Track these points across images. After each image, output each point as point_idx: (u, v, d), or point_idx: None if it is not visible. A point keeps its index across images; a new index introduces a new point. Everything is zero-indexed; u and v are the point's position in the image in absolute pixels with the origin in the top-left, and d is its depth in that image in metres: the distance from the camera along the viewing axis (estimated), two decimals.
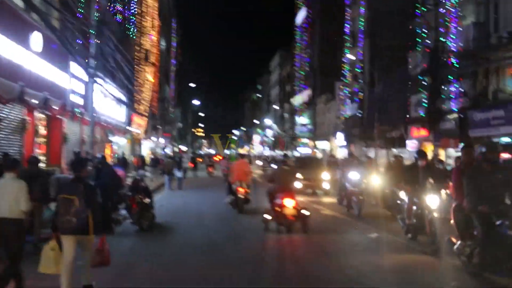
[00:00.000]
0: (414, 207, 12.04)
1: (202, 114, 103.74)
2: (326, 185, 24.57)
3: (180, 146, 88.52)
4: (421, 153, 12.51)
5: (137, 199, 13.87)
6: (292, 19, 76.25)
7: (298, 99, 69.16)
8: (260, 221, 13.87)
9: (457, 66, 25.00)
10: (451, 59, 25.28)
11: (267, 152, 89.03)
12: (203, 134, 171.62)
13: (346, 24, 46.49)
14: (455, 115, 25.44)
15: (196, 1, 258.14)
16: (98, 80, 20.25)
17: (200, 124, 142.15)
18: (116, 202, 13.69)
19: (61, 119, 20.13)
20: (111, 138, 32.77)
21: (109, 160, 26.49)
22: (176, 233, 13.96)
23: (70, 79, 19.43)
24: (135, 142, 42.04)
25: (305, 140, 63.80)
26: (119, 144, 35.31)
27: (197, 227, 14.88)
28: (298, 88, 70.46)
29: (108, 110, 28.16)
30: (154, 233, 13.55)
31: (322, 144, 55.31)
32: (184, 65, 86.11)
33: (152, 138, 53.54)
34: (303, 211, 13.27)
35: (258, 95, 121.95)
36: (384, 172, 19.53)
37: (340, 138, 45.43)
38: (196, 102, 73.34)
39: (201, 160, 57.29)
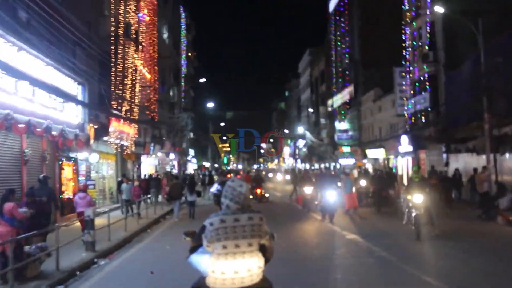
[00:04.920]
0: None
1: (222, 124, 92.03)
2: None
3: (204, 163, 77.41)
4: None
5: None
6: (323, 9, 64.52)
7: (337, 100, 57.04)
8: None
9: None
10: None
11: (300, 165, 77.22)
12: (229, 149, 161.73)
13: None
14: None
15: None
16: None
17: (224, 138, 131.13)
18: None
19: None
20: (73, 154, 21.36)
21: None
22: None
23: None
24: (124, 159, 30.53)
25: (346, 149, 51.57)
26: (91, 162, 23.79)
27: None
28: (335, 87, 58.43)
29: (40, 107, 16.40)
30: None
31: (374, 153, 43.05)
32: (199, 70, 74.57)
33: (158, 153, 42.02)
34: (266, 194, 30.33)
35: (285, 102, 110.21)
36: None
37: (404, 142, 33.20)
38: (211, 105, 61.43)
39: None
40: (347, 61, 53.65)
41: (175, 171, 49.76)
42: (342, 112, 54.85)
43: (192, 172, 56.54)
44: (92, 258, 12.79)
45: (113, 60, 24.29)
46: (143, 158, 37.82)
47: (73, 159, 21.72)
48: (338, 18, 56.99)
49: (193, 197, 23.07)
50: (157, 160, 42.93)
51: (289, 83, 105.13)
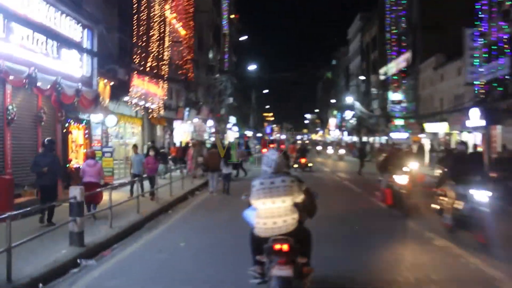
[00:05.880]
0: None
1: (266, 91, 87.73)
2: None
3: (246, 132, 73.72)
4: None
5: None
6: None
7: (392, 68, 52.14)
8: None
9: None
10: None
11: (347, 137, 73.01)
12: (273, 119, 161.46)
13: None
14: None
15: None
16: None
17: (267, 106, 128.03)
18: None
19: None
20: (84, 115, 17.88)
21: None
22: None
23: None
24: (152, 124, 27.01)
25: (399, 122, 47.06)
26: (107, 125, 20.23)
27: None
28: (390, 54, 53.40)
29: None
30: None
31: (434, 127, 38.39)
32: (242, 33, 70.09)
33: (194, 119, 38.42)
34: (309, 164, 31.78)
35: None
36: None
37: (475, 116, 28.59)
38: (253, 67, 56.76)
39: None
40: (403, 24, 48.56)
41: (212, 139, 46.30)
42: (397, 81, 50.06)
43: (232, 141, 52.92)
44: (74, 257, 9.15)
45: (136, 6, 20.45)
46: (177, 124, 34.27)
47: (84, 121, 18.24)
48: None
49: (228, 169, 19.93)
50: (193, 127, 39.35)
51: (337, 51, 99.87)
